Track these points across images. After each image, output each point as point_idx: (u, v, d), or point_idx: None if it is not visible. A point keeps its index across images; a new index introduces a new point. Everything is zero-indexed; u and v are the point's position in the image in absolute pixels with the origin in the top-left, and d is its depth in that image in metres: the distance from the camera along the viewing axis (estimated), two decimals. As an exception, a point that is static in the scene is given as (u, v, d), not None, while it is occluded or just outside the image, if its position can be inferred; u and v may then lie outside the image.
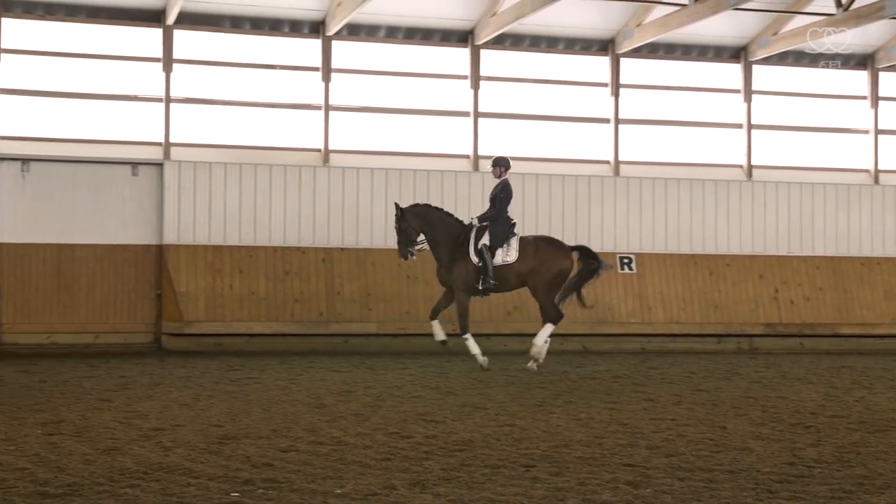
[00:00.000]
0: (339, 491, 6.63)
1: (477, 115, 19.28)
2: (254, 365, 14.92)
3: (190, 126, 18.29)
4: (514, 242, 14.90)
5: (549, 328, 14.85)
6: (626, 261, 19.26)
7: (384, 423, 9.50)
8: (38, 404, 10.51)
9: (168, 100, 18.02)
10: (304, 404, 10.79)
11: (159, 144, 18.06)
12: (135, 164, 17.96)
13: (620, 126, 19.90)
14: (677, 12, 17.75)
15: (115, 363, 15.01)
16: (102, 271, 17.73)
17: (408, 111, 19.21)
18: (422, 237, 15.06)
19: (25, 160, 17.46)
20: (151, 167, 18.01)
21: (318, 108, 18.69)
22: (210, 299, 17.73)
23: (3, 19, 17.36)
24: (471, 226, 14.98)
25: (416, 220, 14.97)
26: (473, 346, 14.84)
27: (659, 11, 18.36)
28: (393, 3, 18.19)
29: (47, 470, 7.08)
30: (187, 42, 18.24)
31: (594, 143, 19.96)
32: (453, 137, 19.39)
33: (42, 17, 17.69)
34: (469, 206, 18.81)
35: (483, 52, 19.26)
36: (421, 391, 12.07)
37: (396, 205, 15.19)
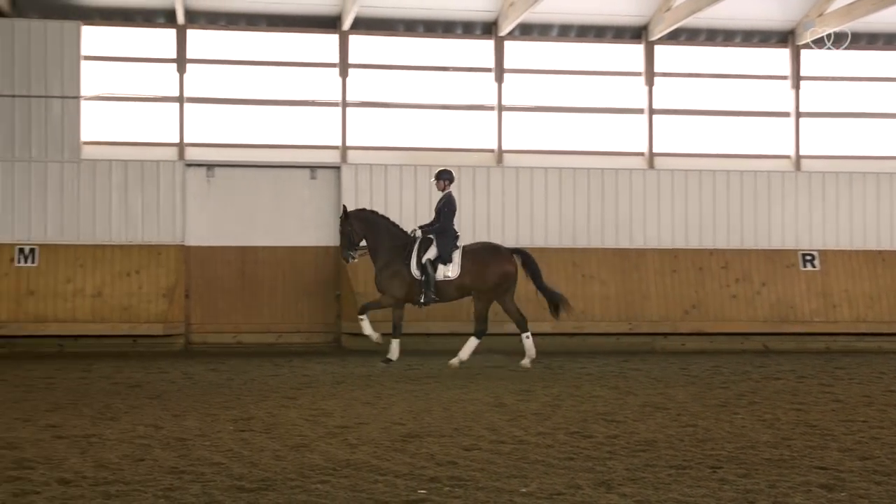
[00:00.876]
0: (524, 490, 6.64)
1: (651, 111, 19.04)
2: (432, 364, 15.10)
3: (366, 129, 18.63)
4: (457, 257, 14.88)
5: (473, 342, 14.93)
6: (808, 258, 18.73)
7: (565, 423, 9.48)
8: (227, 401, 10.87)
9: (345, 104, 18.41)
10: (483, 403, 10.85)
11: (337, 148, 18.46)
12: (313, 168, 18.42)
13: (801, 120, 19.36)
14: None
15: (297, 362, 15.40)
16: (284, 273, 18.24)
17: (581, 109, 19.11)
18: (364, 242, 15.19)
19: (210, 166, 18.12)
20: (329, 170, 18.44)
21: (492, 108, 18.78)
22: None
23: (189, 30, 18.04)
24: (414, 237, 15.00)
25: (359, 225, 15.06)
26: (367, 327, 14.88)
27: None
28: (565, 2, 18.14)
29: (241, 465, 7.31)
30: (362, 46, 18.59)
31: (772, 138, 19.46)
32: (627, 135, 19.19)
33: (224, 27, 18.31)
34: (644, 205, 18.66)
35: (657, 49, 19.01)
36: (600, 391, 11.99)
37: (343, 206, 15.48)
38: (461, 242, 15.13)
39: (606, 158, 19.05)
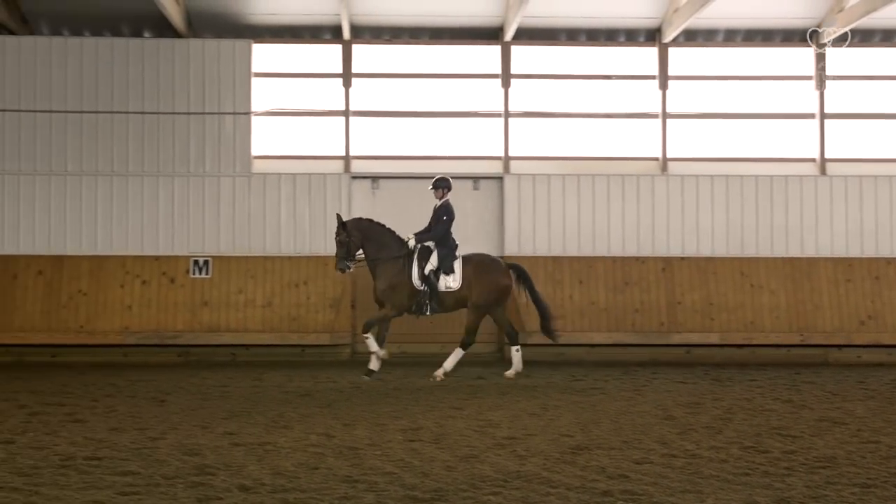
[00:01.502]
0: (700, 505, 6.52)
1: (823, 116, 18.50)
2: (596, 375, 14.98)
3: (528, 139, 18.63)
4: (458, 267, 14.54)
5: (459, 354, 14.65)
6: None
7: (738, 437, 9.26)
8: (395, 411, 10.99)
9: (507, 114, 18.45)
10: (652, 416, 10.70)
11: (499, 158, 18.50)
12: (476, 179, 18.51)
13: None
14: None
15: (462, 372, 15.45)
16: (447, 283, 18.33)
17: (748, 115, 18.70)
18: (361, 252, 14.68)
19: (375, 178, 18.40)
20: (492, 181, 18.50)
21: (656, 116, 18.55)
22: (551, 309, 17.91)
23: (354, 45, 18.37)
24: (413, 247, 14.59)
25: (357, 235, 14.53)
26: (373, 345, 14.45)
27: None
28: (733, 6, 17.77)
29: (413, 475, 7.37)
30: (524, 56, 18.60)
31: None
32: (796, 140, 18.69)
33: (388, 42, 18.58)
34: (816, 212, 18.16)
35: (829, 51, 18.47)
36: (772, 404, 11.68)
37: (338, 216, 14.80)
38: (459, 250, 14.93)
39: (774, 165, 18.61)
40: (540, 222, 18.29)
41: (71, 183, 17.91)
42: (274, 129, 18.48)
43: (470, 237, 18.36)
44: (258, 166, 18.24)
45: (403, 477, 7.28)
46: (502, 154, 18.48)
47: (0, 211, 17.85)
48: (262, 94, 18.34)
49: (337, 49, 18.40)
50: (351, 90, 18.34)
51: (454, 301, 14.61)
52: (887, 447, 8.71)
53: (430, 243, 14.55)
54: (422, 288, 14.40)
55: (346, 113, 18.35)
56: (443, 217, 14.64)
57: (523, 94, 18.60)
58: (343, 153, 18.36)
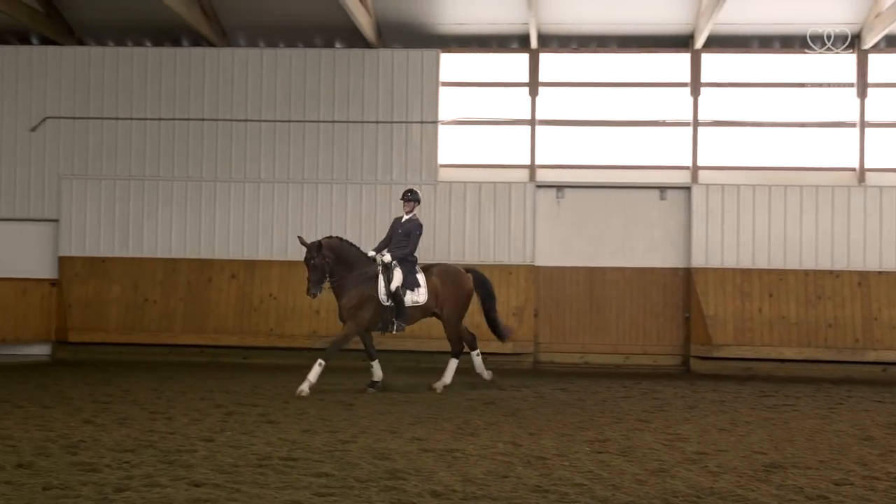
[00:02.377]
0: (906, 531, 6.25)
1: None
2: (787, 391, 14.58)
3: (717, 149, 18.30)
4: (422, 281, 13.89)
5: (454, 364, 14.22)
6: None
7: (944, 461, 8.85)
8: (581, 422, 10.93)
9: (696, 123, 18.17)
10: (849, 435, 10.33)
11: (687, 168, 18.23)
12: (662, 189, 18.29)
13: None
14: None
15: (646, 384, 15.29)
16: (631, 294, 18.20)
17: (953, 124, 17.94)
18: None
19: (560, 187, 18.38)
20: (679, 191, 18.25)
21: (853, 125, 17.95)
22: (739, 323, 17.59)
23: (541, 54, 18.40)
24: (378, 264, 13.70)
25: (331, 256, 13.44)
26: (316, 374, 13.12)
27: None
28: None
29: (603, 487, 7.31)
30: (715, 65, 18.28)
31: None
32: None
33: (576, 50, 18.53)
34: None
35: None
36: (979, 428, 11.13)
37: (300, 239, 13.63)
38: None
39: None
40: (728, 234, 17.95)
41: (263, 190, 18.50)
42: (460, 137, 18.67)
43: (656, 248, 18.19)
44: (444, 175, 18.46)
45: (594, 489, 7.23)
46: (690, 164, 18.19)
47: (197, 216, 18.56)
48: (449, 103, 18.55)
49: (524, 58, 18.47)
50: (537, 99, 18.37)
51: (421, 314, 14.10)
52: None
53: (389, 258, 13.75)
54: (388, 304, 13.64)
55: (532, 122, 18.40)
56: (416, 232, 13.95)
57: (713, 103, 18.28)
58: (528, 162, 18.40)
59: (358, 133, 18.42)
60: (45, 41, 19.02)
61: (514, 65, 18.60)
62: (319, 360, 13.16)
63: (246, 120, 18.55)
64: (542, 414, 11.56)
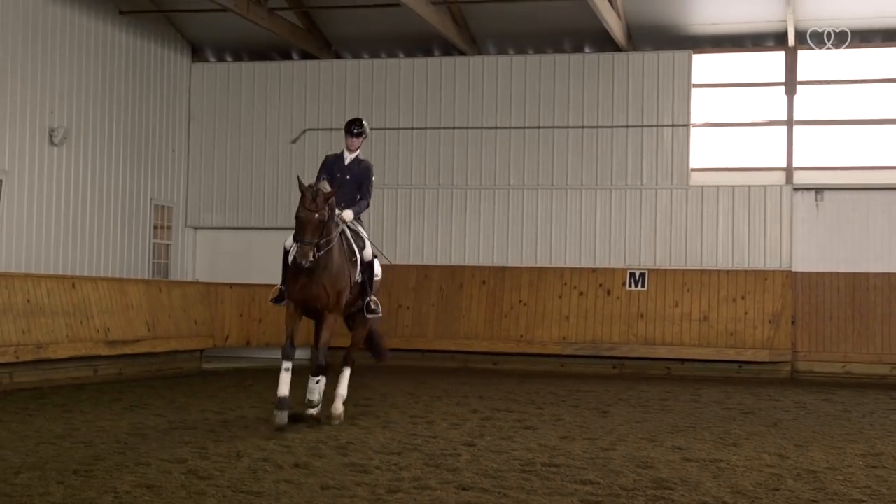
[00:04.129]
0: None
1: None
2: None
3: None
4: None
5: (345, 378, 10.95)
6: None
7: None
8: (850, 434, 10.55)
9: (968, 120, 17.26)
10: None
11: (957, 168, 17.34)
12: (930, 190, 17.46)
13: None
14: None
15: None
16: (897, 300, 17.44)
17: None
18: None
19: (819, 189, 17.79)
20: (945, 192, 17.37)
21: None
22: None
23: (799, 52, 17.85)
24: (350, 223, 10.52)
25: (328, 212, 9.88)
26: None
27: None
28: None
29: (883, 503, 7.05)
30: None
31: None
32: None
33: (836, 46, 17.88)
34: None
35: None
36: None
37: (299, 180, 10.01)
38: None
39: None
40: None
41: (514, 196, 18.72)
42: (712, 140, 18.36)
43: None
44: (695, 178, 18.19)
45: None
46: (961, 163, 17.29)
47: (448, 223, 18.97)
48: (701, 105, 18.27)
49: (780, 56, 18.00)
50: (794, 98, 17.84)
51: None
52: None
53: (351, 215, 10.52)
54: (358, 280, 10.52)
55: (789, 122, 17.89)
56: (371, 178, 10.81)
57: None
58: (785, 164, 17.90)
59: (608, 138, 18.39)
60: (305, 56, 19.87)
61: (769, 63, 18.13)
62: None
63: (496, 127, 18.82)
64: (805, 425, 11.22)
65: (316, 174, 10.75)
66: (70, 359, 13.88)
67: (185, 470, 7.67)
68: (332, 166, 10.69)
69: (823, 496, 7.25)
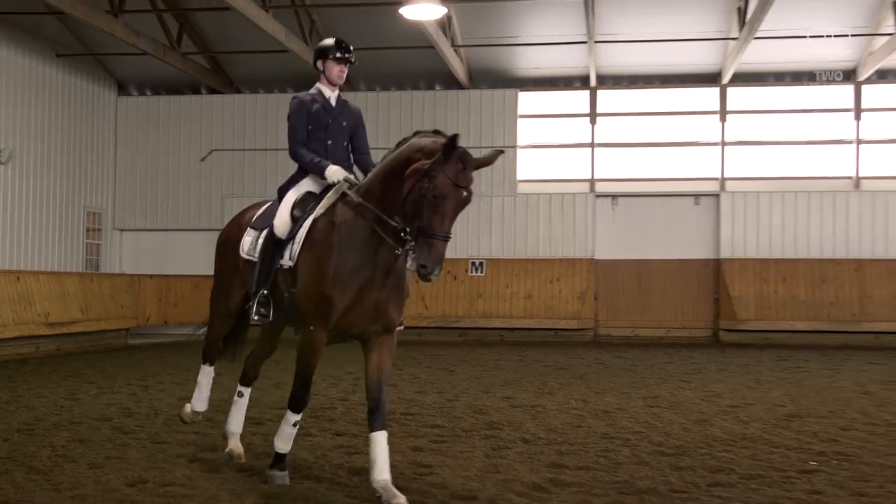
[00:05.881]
0: (907, 467, 6.15)
1: None
2: (798, 357, 14.34)
3: (741, 163, 18.01)
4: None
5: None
6: None
7: (932, 411, 8.65)
8: (635, 382, 10.89)
9: (723, 143, 17.96)
10: (850, 391, 10.16)
11: (716, 179, 17.99)
12: (697, 196, 18.09)
13: None
14: None
15: (684, 352, 15.16)
16: (672, 280, 18.03)
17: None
18: None
19: (615, 196, 18.28)
20: (710, 198, 18.03)
21: (850, 142, 17.61)
22: (758, 302, 17.35)
23: (598, 91, 18.28)
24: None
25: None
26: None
27: None
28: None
29: (657, 434, 7.30)
30: (738, 96, 18.02)
31: None
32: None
33: (626, 87, 18.37)
34: None
35: None
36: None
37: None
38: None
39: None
40: (750, 231, 17.69)
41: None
42: (534, 158, 18.65)
43: (691, 244, 18.01)
44: (522, 188, 18.47)
45: (650, 435, 7.24)
46: (719, 175, 17.96)
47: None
48: (525, 131, 18.54)
49: (585, 94, 18.39)
50: (595, 126, 18.29)
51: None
52: None
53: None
54: None
55: (591, 145, 18.32)
56: (361, 129, 6.13)
57: (737, 127, 18.02)
58: (589, 176, 18.32)
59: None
60: (212, 91, 19.46)
61: (577, 100, 18.49)
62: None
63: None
64: (603, 377, 11.53)
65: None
66: (16, 338, 13.32)
67: (111, 427, 7.48)
68: (318, 113, 5.83)
69: (614, 430, 7.48)
